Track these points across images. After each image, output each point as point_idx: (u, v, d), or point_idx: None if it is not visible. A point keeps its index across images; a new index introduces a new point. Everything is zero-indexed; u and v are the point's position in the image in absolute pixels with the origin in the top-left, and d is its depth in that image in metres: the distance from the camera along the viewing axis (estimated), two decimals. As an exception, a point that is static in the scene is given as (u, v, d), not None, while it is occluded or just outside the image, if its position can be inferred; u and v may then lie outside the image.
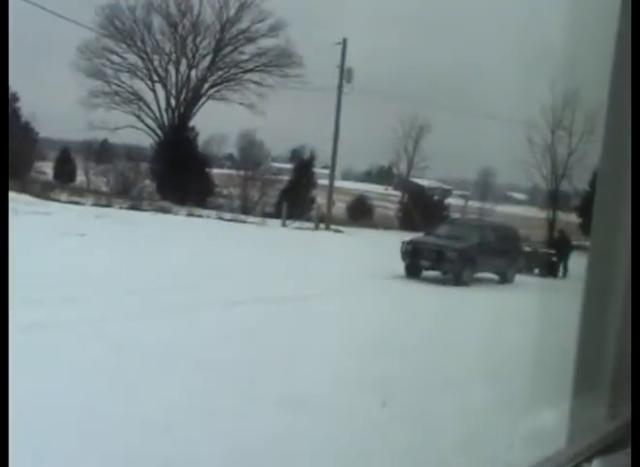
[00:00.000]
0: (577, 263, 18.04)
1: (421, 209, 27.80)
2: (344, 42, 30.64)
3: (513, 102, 25.38)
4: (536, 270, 19.29)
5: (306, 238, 23.50)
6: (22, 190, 24.78)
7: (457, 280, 15.49)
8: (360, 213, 34.22)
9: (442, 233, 17.71)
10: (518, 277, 17.39)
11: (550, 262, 19.55)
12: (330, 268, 14.73)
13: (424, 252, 15.85)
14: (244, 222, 27.22)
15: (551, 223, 33.40)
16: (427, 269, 16.04)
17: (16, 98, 32.65)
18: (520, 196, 45.80)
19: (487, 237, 16.81)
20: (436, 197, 35.23)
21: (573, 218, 29.93)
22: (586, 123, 27.20)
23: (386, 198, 40.77)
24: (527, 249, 19.77)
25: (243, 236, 21.76)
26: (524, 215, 32.59)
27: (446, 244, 16.03)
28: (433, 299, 13.33)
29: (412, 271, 15.93)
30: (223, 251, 16.27)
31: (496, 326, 10.09)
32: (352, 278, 13.67)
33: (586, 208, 25.98)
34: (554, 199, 34.09)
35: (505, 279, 16.89)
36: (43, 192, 25.91)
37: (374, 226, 31.50)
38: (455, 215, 33.91)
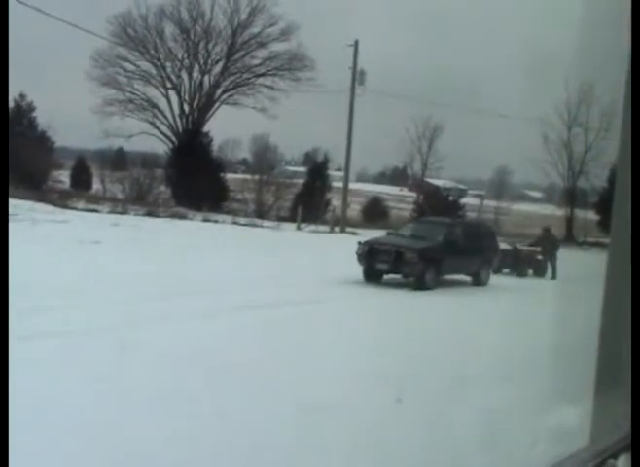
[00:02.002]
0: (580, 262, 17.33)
1: (436, 210, 27.65)
2: (356, 44, 30.64)
3: (527, 100, 25.28)
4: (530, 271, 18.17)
5: (321, 241, 23.47)
6: (40, 199, 25.04)
7: (419, 284, 13.89)
8: (375, 215, 34.17)
9: (405, 232, 16.17)
10: (498, 279, 16.11)
11: (535, 261, 18.24)
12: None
13: (381, 254, 14.18)
14: (259, 226, 27.27)
15: (569, 220, 33.22)
16: (386, 272, 14.32)
17: (32, 108, 33.03)
18: (537, 194, 45.58)
19: (454, 236, 15.13)
20: (451, 198, 35.10)
21: (591, 215, 29.76)
22: (602, 119, 27.11)
23: (401, 200, 40.69)
24: (506, 248, 18.29)
25: (258, 241, 21.79)
26: (541, 213, 32.42)
27: (406, 244, 14.43)
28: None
29: (371, 276, 14.24)
30: (238, 255, 16.30)
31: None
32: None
33: (604, 205, 25.78)
34: (571, 197, 33.91)
35: (478, 281, 15.36)
36: (60, 200, 26.13)
37: (390, 227, 31.39)
38: (471, 215, 33.79)
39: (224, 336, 8.30)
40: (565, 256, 18.45)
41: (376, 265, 14.20)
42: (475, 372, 7.09)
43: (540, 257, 18.20)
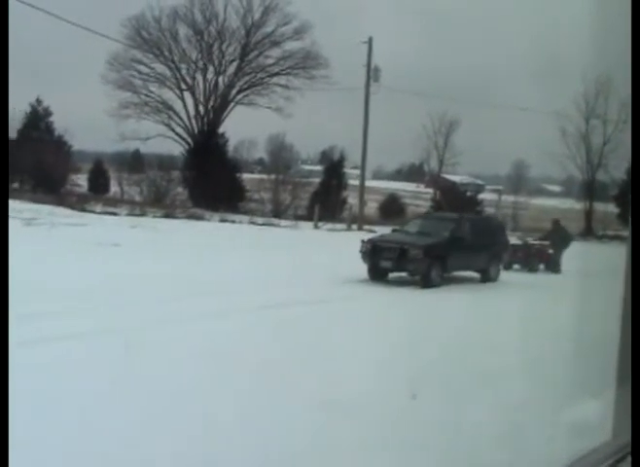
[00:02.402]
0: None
1: (454, 206, 27.47)
2: (370, 41, 30.55)
3: (544, 94, 25.07)
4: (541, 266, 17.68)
5: (338, 240, 23.40)
6: (59, 203, 25.28)
7: (425, 281, 13.63)
8: (392, 212, 34.11)
9: (410, 228, 15.83)
10: (508, 275, 15.78)
11: (546, 255, 17.69)
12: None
13: (385, 251, 13.89)
14: (277, 225, 27.30)
15: (588, 214, 32.91)
16: (390, 270, 14.05)
17: (48, 113, 33.35)
18: (555, 187, 45.20)
19: (461, 231, 14.78)
20: (468, 193, 34.91)
21: (611, 208, 29.45)
22: (621, 110, 26.82)
23: (418, 196, 40.57)
24: (516, 242, 17.99)
25: (275, 240, 21.81)
26: (560, 207, 32.14)
27: (410, 241, 14.15)
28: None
29: (376, 274, 13.98)
30: (256, 255, 16.33)
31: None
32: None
33: (623, 198, 25.50)
34: (590, 190, 33.58)
35: (487, 277, 15.04)
36: (78, 204, 26.35)
37: (407, 224, 31.29)
38: (490, 210, 33.59)
39: (248, 334, 8.43)
40: (584, 249, 18.08)
41: (380, 263, 13.91)
42: (484, 370, 7.03)
43: (551, 251, 17.77)
